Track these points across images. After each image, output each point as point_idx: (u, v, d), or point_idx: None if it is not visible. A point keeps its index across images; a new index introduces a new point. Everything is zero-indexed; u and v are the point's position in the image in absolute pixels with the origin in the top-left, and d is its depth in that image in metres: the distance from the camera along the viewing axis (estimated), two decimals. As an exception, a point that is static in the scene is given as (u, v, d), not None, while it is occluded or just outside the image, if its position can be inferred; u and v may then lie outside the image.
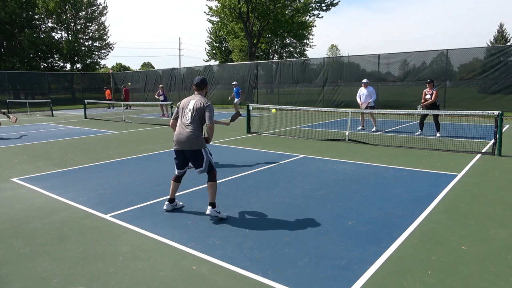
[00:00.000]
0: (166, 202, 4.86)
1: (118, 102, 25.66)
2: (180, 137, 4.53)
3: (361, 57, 21.45)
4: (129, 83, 30.18)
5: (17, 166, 7.72)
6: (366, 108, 11.96)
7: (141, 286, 3.09)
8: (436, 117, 10.84)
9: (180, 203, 5.00)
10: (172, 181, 4.86)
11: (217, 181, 6.17)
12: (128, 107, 26.70)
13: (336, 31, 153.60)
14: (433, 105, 10.79)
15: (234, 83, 19.52)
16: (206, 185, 5.96)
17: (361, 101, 12.07)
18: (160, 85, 19.88)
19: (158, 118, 17.99)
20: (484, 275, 3.18)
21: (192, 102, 4.57)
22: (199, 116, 4.50)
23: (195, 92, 4.70)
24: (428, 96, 10.81)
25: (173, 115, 4.77)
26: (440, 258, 3.48)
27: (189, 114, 4.52)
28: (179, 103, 4.76)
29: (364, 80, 12.15)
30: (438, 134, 10.80)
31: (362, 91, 12.05)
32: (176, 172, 4.82)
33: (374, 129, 12.17)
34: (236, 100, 18.74)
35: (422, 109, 10.92)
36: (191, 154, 4.56)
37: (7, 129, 14.72)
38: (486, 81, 17.05)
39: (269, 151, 8.89)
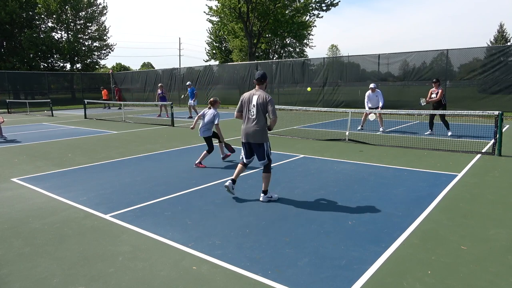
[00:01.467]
0: (229, 181, 5.24)
1: (117, 103, 25.63)
2: (247, 131, 5.08)
3: (361, 57, 21.44)
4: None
5: (17, 166, 7.72)
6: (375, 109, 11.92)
7: (141, 286, 3.09)
8: (442, 117, 10.91)
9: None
10: (239, 164, 5.35)
11: (219, 181, 6.21)
12: (120, 107, 26.60)
13: (336, 31, 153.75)
14: (440, 105, 10.95)
15: (188, 83, 18.68)
16: (206, 185, 6.00)
17: (369, 105, 12.02)
18: (159, 84, 19.54)
19: (157, 118, 17.97)
20: (484, 275, 3.18)
21: (255, 97, 5.01)
22: (262, 110, 4.98)
23: (256, 87, 5.11)
24: (434, 95, 10.96)
25: (237, 108, 5.24)
26: (440, 258, 3.48)
27: (254, 110, 5.00)
28: (242, 96, 5.18)
29: (372, 85, 12.02)
30: (449, 133, 10.85)
31: (371, 96, 12.01)
32: (244, 160, 5.30)
33: (381, 129, 12.04)
34: (190, 101, 17.92)
35: (423, 104, 11.17)
36: (256, 146, 5.10)
37: (7, 129, 14.71)
38: (486, 81, 17.05)
39: (269, 151, 8.88)
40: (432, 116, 11.26)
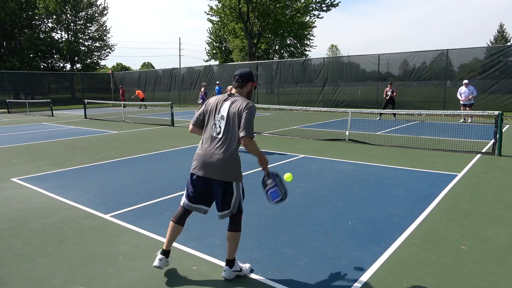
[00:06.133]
0: (158, 257, 3.24)
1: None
2: (204, 159, 3.25)
3: (361, 57, 21.44)
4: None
5: (17, 166, 7.72)
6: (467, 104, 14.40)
7: (141, 286, 3.09)
8: (393, 106, 15.65)
9: None
10: (171, 221, 3.44)
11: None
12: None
13: (336, 31, 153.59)
14: (392, 99, 15.50)
15: (217, 82, 19.26)
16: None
17: (461, 97, 14.45)
18: (203, 83, 19.36)
19: (158, 118, 17.98)
20: (484, 275, 3.17)
21: (225, 104, 3.27)
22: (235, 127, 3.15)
23: (233, 90, 3.47)
24: (389, 93, 15.48)
25: (195, 118, 3.40)
26: (440, 258, 3.48)
27: (222, 124, 3.19)
28: (208, 101, 3.43)
29: (465, 81, 14.56)
30: (394, 118, 15.72)
31: (463, 90, 14.29)
32: (186, 206, 3.47)
33: (469, 120, 14.39)
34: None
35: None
36: (218, 186, 3.31)
37: (7, 129, 14.72)
38: (486, 81, 17.04)
39: (269, 151, 8.88)
40: (384, 107, 15.70)
